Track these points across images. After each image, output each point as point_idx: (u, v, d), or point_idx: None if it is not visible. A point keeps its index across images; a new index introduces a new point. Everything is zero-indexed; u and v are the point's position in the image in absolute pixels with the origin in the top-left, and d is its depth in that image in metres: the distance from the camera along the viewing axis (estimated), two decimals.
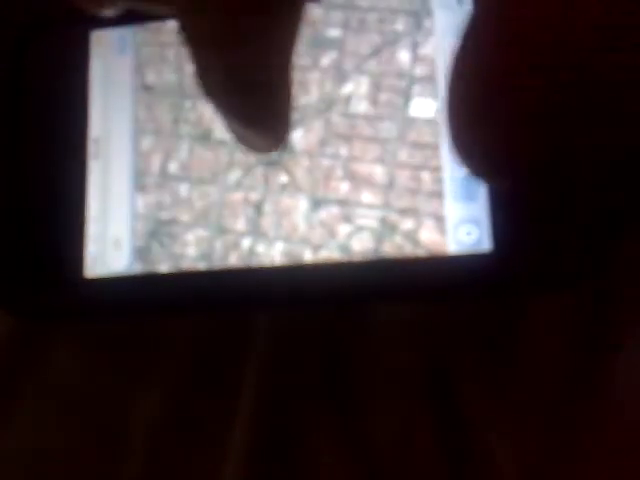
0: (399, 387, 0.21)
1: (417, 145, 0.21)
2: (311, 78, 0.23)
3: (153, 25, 0.23)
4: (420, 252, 0.20)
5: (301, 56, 0.23)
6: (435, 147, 0.21)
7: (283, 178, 0.23)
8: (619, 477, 0.18)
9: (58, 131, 0.22)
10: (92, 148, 0.22)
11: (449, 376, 0.20)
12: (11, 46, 0.23)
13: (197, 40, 0.12)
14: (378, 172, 0.21)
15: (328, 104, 0.23)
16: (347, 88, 0.23)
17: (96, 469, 0.22)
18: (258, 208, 0.22)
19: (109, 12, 0.18)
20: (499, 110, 0.10)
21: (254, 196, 0.23)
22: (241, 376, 0.22)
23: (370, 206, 0.21)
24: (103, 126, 0.22)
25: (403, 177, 0.21)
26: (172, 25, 0.23)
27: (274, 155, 0.22)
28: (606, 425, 0.19)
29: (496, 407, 0.20)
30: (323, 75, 0.23)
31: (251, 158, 0.22)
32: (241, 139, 0.15)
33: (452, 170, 0.20)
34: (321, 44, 0.23)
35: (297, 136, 0.23)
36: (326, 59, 0.23)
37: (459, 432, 0.20)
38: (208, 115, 0.23)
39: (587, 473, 0.19)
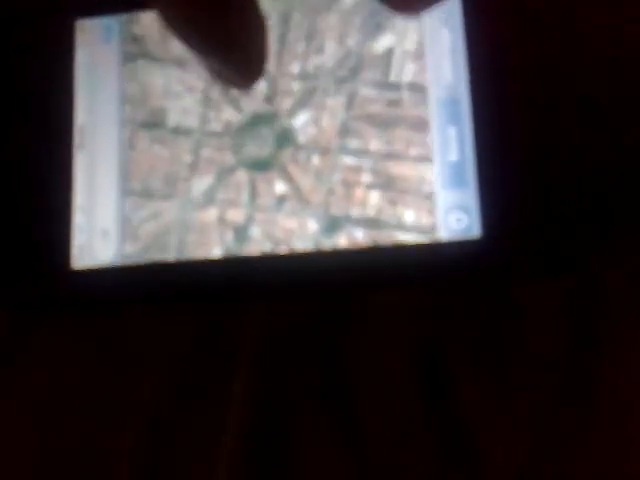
0: (396, 387, 0.22)
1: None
2: (324, 28, 0.20)
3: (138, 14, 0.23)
4: (410, 239, 0.21)
5: None
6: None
7: (280, 187, 0.20)
8: (618, 476, 0.20)
9: (44, 121, 0.23)
10: (78, 138, 0.23)
11: (446, 376, 0.22)
12: None
13: None
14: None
15: (353, 69, 0.20)
16: (383, 42, 0.20)
17: (95, 462, 0.23)
18: (241, 232, 0.20)
19: None
20: None
21: (234, 214, 0.20)
22: (235, 375, 0.23)
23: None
24: (89, 116, 0.23)
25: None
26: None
27: (267, 151, 0.20)
28: (605, 424, 0.21)
29: (494, 407, 0.21)
30: (344, 23, 0.20)
31: (229, 156, 0.20)
32: (216, 74, 0.16)
33: (442, 157, 0.21)
34: None
35: (301, 121, 0.20)
36: None
37: (456, 432, 0.22)
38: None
39: (586, 472, 0.20)
